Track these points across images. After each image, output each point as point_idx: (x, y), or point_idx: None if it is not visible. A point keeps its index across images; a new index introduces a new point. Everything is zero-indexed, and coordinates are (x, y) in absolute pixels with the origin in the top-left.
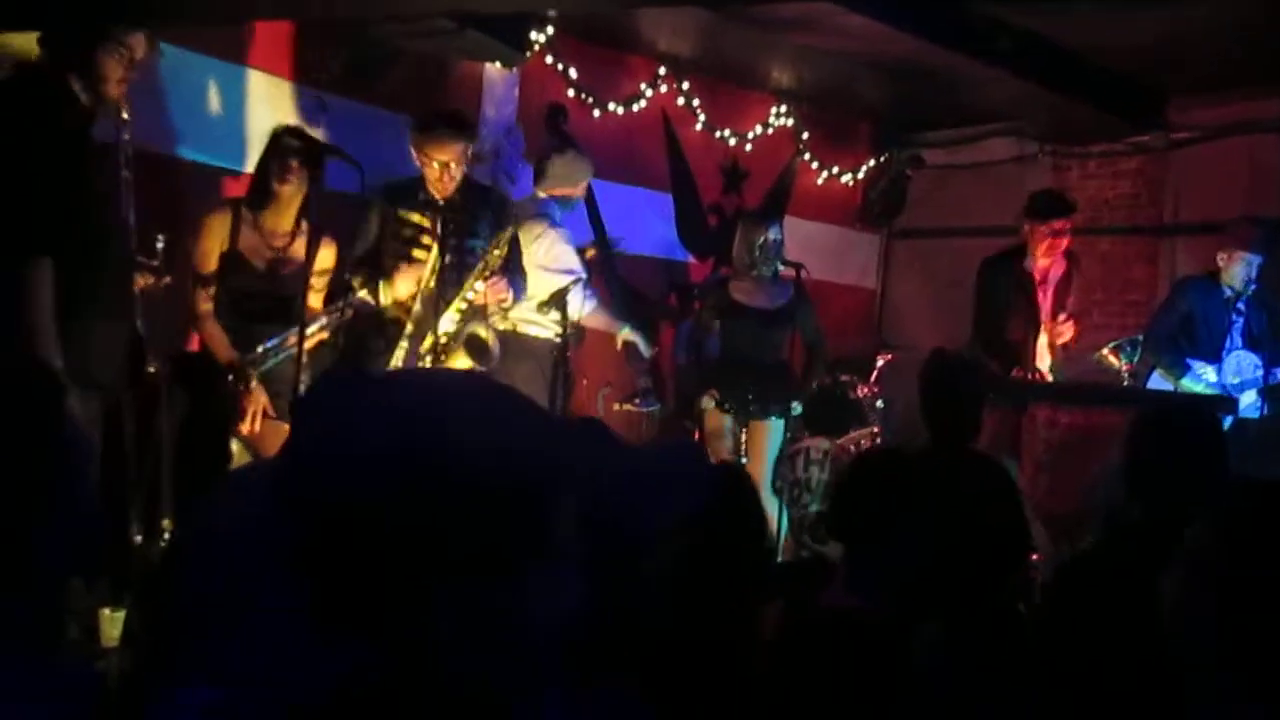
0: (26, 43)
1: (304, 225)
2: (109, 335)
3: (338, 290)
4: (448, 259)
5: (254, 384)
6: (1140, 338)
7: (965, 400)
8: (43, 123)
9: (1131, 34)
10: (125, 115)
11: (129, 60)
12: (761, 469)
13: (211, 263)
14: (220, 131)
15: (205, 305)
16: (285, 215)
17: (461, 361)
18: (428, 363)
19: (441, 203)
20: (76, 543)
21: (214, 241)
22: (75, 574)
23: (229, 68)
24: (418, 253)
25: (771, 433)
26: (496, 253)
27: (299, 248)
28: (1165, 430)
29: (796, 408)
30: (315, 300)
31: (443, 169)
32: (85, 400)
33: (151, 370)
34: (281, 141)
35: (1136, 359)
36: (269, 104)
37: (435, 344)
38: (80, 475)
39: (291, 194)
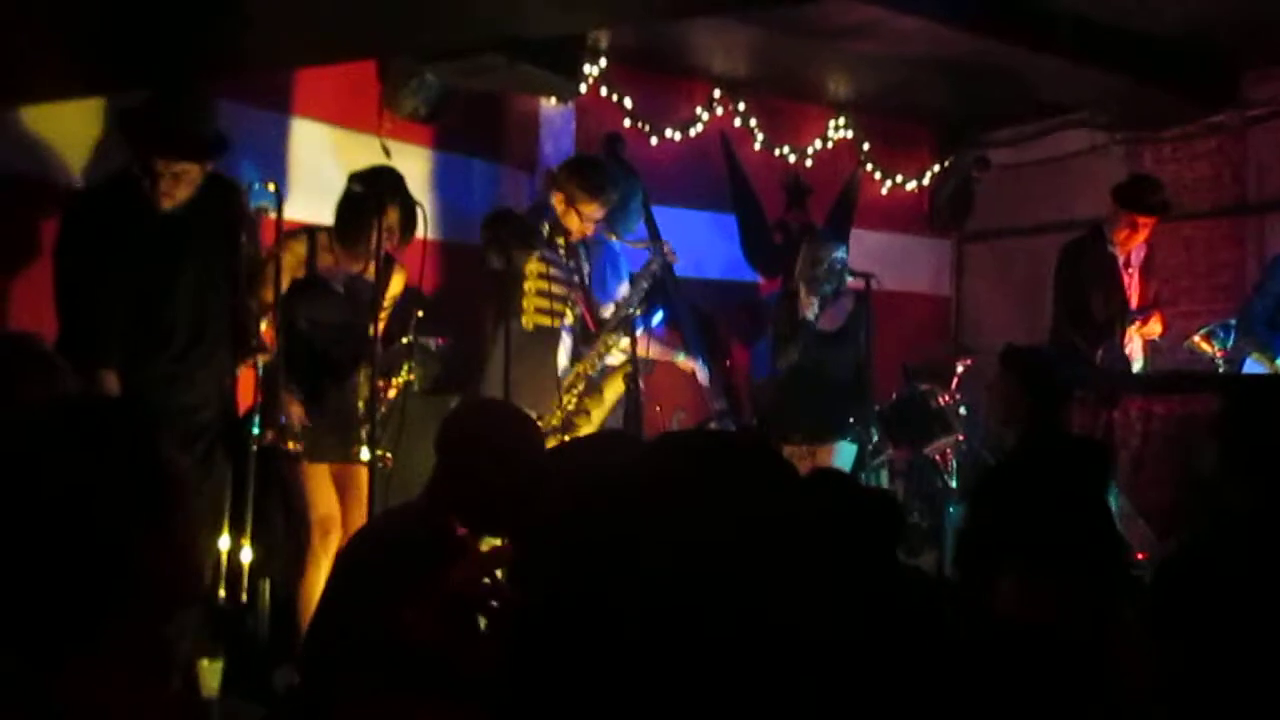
0: None
1: (381, 253)
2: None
3: (401, 319)
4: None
5: (289, 395)
6: (1232, 322)
7: (1042, 390)
8: (119, 231)
9: (1195, 12)
10: (271, 186)
11: (175, 175)
12: None
13: (282, 285)
14: (290, 185)
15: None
16: (364, 246)
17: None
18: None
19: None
20: (175, 575)
21: (288, 267)
22: (177, 605)
23: (293, 121)
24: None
25: (837, 454)
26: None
27: (372, 275)
28: (1263, 411)
29: (873, 433)
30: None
31: (587, 223)
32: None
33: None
34: (363, 197)
35: (1230, 344)
36: (336, 155)
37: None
38: (175, 507)
39: (372, 228)
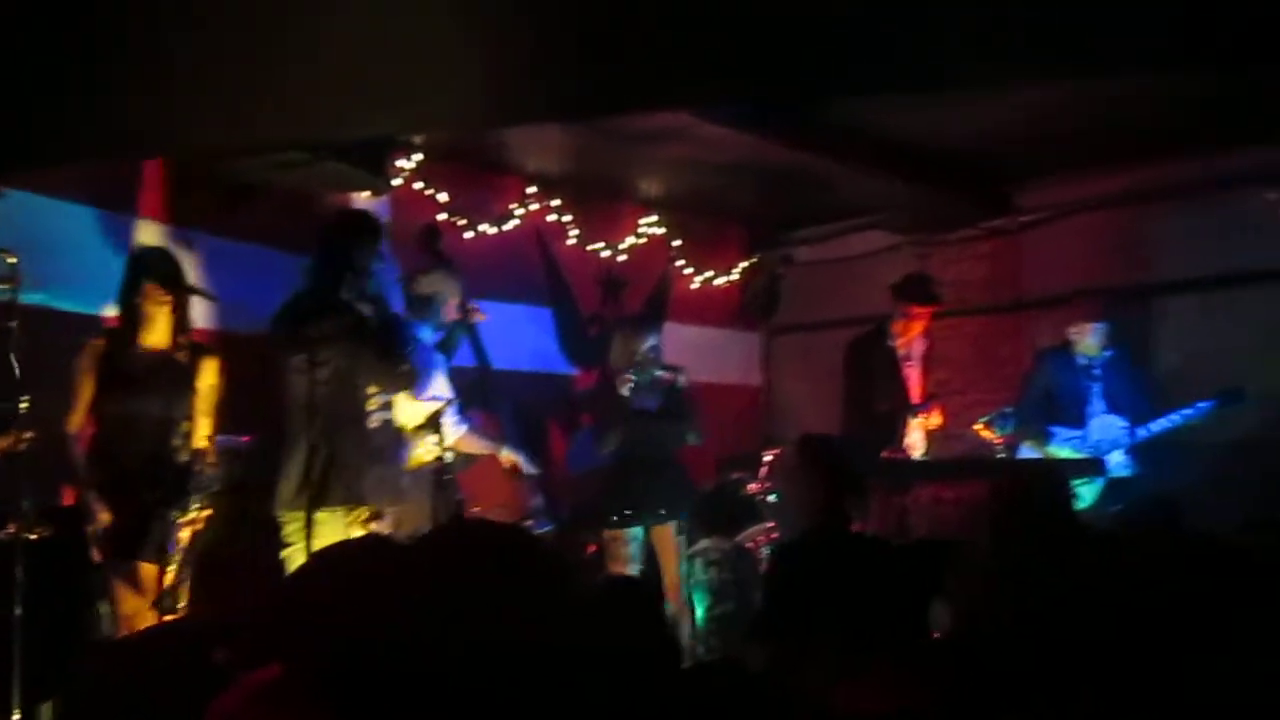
0: None
1: (183, 340)
2: None
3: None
4: None
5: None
6: (1010, 410)
7: (833, 478)
8: None
9: (975, 127)
10: (12, 259)
11: None
12: (674, 571)
13: (87, 390)
14: (88, 277)
15: (80, 448)
16: (160, 332)
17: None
18: None
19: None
20: None
21: (89, 369)
22: None
23: (93, 212)
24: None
25: (676, 535)
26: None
27: (180, 362)
28: (1010, 498)
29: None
30: (205, 424)
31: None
32: None
33: (9, 529)
34: (137, 264)
35: (1008, 431)
36: (135, 246)
37: None
38: None
39: (155, 314)
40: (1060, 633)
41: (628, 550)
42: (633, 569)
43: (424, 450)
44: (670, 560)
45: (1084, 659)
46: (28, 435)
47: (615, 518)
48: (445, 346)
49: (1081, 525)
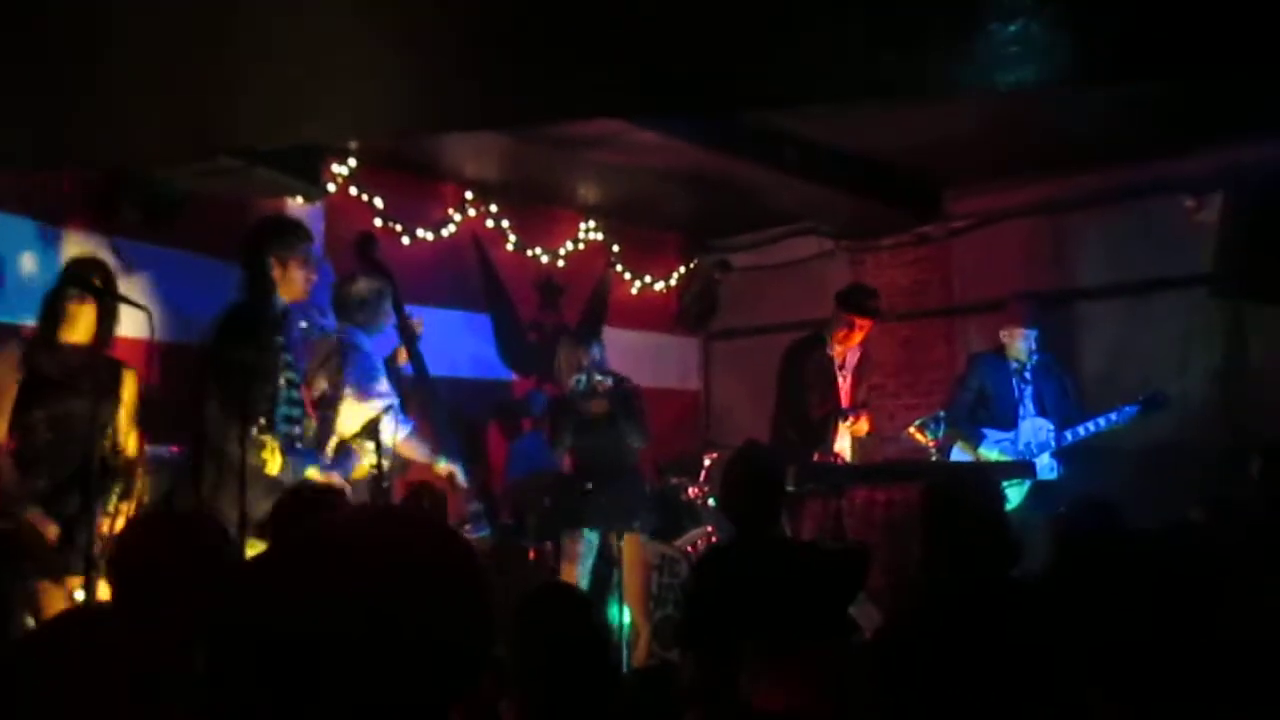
0: None
1: (103, 352)
2: None
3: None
4: None
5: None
6: (942, 414)
7: (760, 488)
8: None
9: (902, 136)
10: None
11: None
12: (639, 580)
13: (7, 399)
14: (18, 288)
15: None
16: (82, 336)
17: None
18: None
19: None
20: None
21: (8, 375)
22: None
23: (23, 222)
24: None
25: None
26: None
27: (100, 371)
28: (940, 501)
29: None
30: (131, 439)
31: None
32: None
33: None
34: (67, 272)
35: (940, 434)
36: (64, 255)
37: None
38: None
39: (77, 314)
40: (997, 634)
41: (579, 549)
42: (585, 568)
43: (363, 458)
44: (636, 569)
45: (1020, 661)
46: None
47: (570, 521)
48: (391, 364)
49: (1010, 527)
